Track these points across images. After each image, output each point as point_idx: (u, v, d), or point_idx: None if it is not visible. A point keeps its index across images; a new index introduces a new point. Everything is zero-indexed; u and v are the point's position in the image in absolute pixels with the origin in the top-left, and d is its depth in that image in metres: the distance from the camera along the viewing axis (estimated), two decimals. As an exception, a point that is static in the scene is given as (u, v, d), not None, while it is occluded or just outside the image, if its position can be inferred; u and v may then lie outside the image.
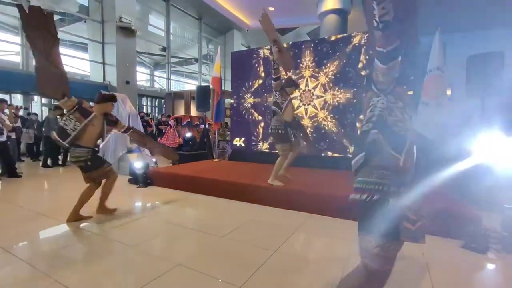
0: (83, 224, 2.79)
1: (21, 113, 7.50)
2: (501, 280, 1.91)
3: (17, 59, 8.55)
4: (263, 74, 5.84)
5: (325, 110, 5.17)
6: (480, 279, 1.99)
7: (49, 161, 6.62)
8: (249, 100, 6.03)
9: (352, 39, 4.92)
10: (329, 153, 5.12)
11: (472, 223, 2.37)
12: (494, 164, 3.58)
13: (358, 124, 4.86)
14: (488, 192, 3.19)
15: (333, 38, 5.18)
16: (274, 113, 3.64)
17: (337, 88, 5.05)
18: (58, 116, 6.67)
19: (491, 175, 3.32)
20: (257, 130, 5.93)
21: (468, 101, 4.36)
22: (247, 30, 14.56)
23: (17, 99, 8.97)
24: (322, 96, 5.20)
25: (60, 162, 6.79)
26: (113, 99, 3.14)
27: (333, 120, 5.09)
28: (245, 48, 16.06)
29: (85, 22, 10.43)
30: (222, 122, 7.29)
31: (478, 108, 4.20)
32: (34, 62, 2.73)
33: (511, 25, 8.38)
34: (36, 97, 9.39)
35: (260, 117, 5.89)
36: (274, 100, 3.66)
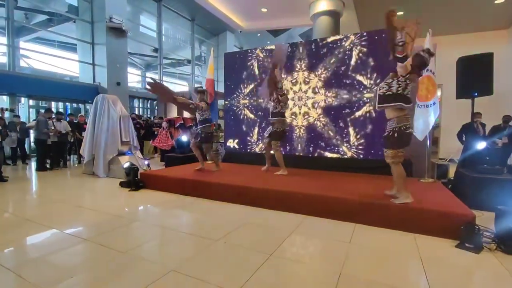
0: (71, 230, 2.70)
1: (6, 115, 7.28)
2: (494, 279, 1.92)
3: (3, 60, 8.30)
4: (257, 75, 5.82)
5: (318, 111, 5.18)
6: (475, 278, 2.00)
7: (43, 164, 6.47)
8: (243, 101, 6.00)
9: (344, 41, 4.94)
10: (321, 153, 5.13)
11: (466, 222, 2.39)
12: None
13: (350, 124, 4.88)
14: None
15: (325, 40, 5.20)
16: (282, 122, 4.41)
17: (329, 89, 5.06)
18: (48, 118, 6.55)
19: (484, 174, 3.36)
20: (252, 131, 5.89)
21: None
22: (240, 32, 14.53)
23: (3, 101, 8.70)
24: (314, 97, 5.21)
25: (48, 166, 6.61)
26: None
27: (326, 121, 5.10)
28: (238, 50, 16.04)
29: (74, 22, 10.23)
30: (215, 123, 7.23)
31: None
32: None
33: (499, 27, 8.60)
34: (23, 99, 9.14)
35: (255, 118, 5.86)
36: (281, 111, 4.33)
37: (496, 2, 7.13)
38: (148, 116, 10.81)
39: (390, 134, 2.78)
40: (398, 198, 2.81)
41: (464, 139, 4.86)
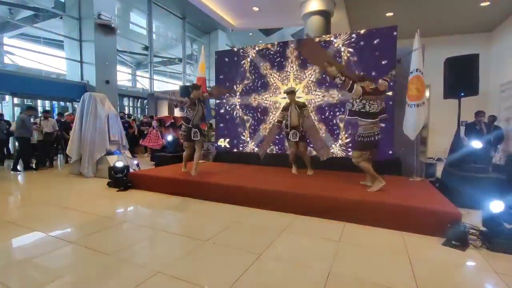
0: (56, 233, 2.62)
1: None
2: (480, 276, 1.96)
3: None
4: (248, 74, 5.78)
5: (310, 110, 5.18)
6: (461, 275, 2.03)
7: (19, 166, 6.22)
8: (236, 100, 5.95)
9: (335, 41, 4.96)
10: (312, 151, 5.13)
11: (452, 220, 2.42)
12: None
13: (340, 124, 4.91)
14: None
15: (316, 39, 5.21)
16: None
17: (320, 89, 5.08)
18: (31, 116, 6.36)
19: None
20: (244, 130, 5.85)
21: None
22: (232, 30, 14.44)
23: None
24: (303, 97, 5.21)
25: (33, 166, 6.42)
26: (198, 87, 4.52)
27: (317, 120, 5.10)
28: (229, 48, 15.94)
29: (61, 18, 9.96)
30: (206, 123, 7.14)
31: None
32: None
33: (485, 29, 8.80)
34: (7, 97, 8.86)
35: (247, 117, 5.82)
36: None
37: (482, 4, 7.29)
38: (128, 113, 10.62)
39: (355, 138, 3.47)
40: (372, 187, 3.29)
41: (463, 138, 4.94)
